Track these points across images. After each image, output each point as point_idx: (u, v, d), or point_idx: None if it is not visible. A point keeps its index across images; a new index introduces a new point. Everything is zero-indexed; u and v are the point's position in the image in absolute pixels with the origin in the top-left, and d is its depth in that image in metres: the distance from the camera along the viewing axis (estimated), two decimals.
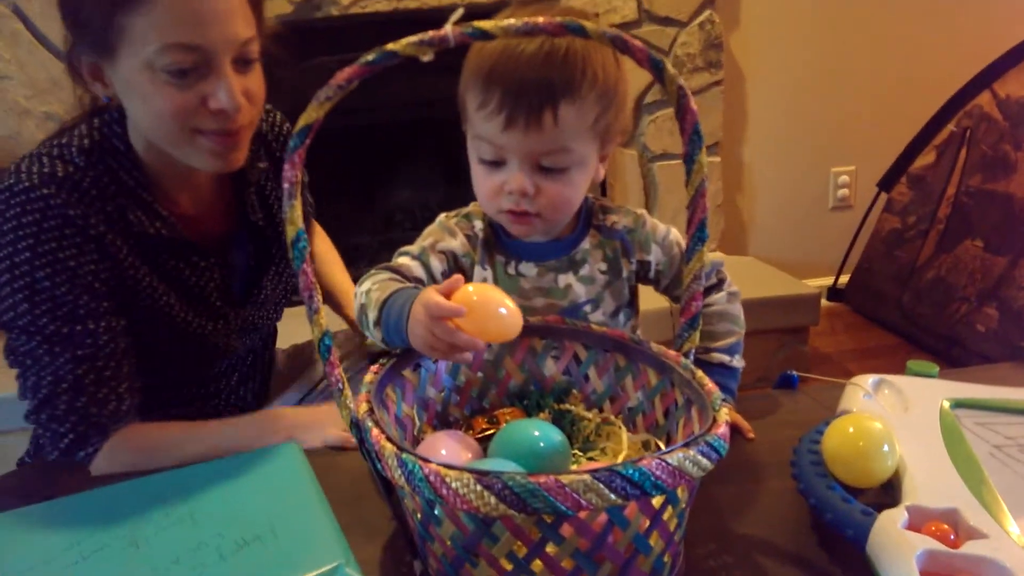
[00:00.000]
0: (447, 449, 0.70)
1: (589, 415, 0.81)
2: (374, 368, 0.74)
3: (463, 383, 0.83)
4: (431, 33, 0.56)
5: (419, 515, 0.61)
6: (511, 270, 0.88)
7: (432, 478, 0.54)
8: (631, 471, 0.53)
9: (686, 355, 0.71)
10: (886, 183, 2.61)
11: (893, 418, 0.75)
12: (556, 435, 0.72)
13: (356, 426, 0.63)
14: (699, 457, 0.56)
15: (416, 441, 0.77)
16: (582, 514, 0.55)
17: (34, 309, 0.90)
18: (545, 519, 0.56)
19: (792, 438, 0.77)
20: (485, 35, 0.57)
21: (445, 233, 0.88)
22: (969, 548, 0.59)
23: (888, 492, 0.70)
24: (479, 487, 0.53)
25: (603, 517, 0.56)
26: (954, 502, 0.64)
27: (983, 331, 2.24)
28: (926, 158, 2.51)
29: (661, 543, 0.60)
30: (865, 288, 2.65)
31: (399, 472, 0.56)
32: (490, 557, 0.58)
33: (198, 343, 1.05)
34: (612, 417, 0.81)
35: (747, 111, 2.66)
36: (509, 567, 0.58)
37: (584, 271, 0.88)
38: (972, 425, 0.77)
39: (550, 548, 0.57)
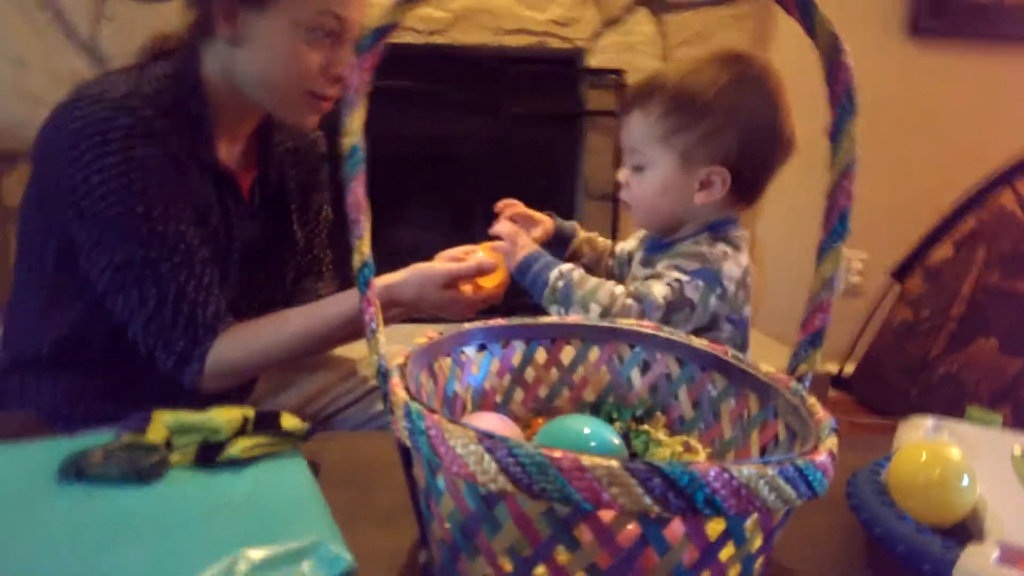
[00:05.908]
0: (489, 427, 0.60)
1: (667, 440, 0.67)
2: (429, 333, 0.65)
3: (532, 379, 0.72)
4: None
5: (422, 484, 0.52)
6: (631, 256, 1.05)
7: (432, 431, 0.45)
8: (678, 472, 0.41)
9: (800, 379, 0.57)
10: (900, 273, 2.56)
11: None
12: (611, 437, 0.59)
13: (383, 376, 0.54)
14: (779, 480, 0.43)
15: None
16: (605, 516, 0.44)
17: (129, 211, 0.92)
18: (557, 512, 0.44)
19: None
20: None
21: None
22: None
23: (955, 535, 0.61)
24: (480, 448, 0.43)
25: (635, 530, 0.45)
26: None
27: None
28: (943, 251, 2.47)
29: None
30: (872, 378, 2.56)
31: (403, 424, 0.48)
32: (489, 551, 0.48)
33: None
34: (694, 442, 0.67)
35: None
36: (509, 568, 0.47)
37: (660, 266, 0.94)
38: None
39: (560, 555, 0.46)
